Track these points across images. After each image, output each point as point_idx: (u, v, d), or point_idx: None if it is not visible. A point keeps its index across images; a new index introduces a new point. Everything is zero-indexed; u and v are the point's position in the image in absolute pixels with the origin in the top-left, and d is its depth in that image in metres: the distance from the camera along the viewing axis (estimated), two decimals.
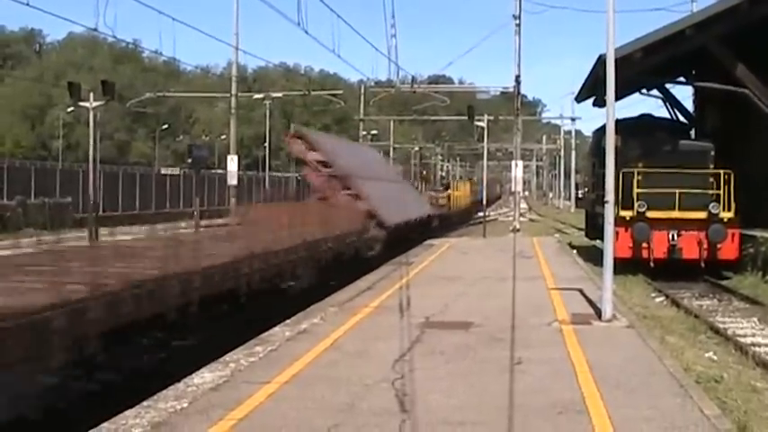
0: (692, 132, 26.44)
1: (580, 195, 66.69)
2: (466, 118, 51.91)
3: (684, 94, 53.20)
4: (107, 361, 9.42)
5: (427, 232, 34.24)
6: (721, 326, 14.38)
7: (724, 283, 20.58)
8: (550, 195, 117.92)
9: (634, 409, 7.30)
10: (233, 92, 39.49)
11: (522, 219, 46.13)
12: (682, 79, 28.09)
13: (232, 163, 36.89)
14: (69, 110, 73.70)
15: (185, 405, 7.58)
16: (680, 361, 9.97)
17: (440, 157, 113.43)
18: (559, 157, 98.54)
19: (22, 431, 8.02)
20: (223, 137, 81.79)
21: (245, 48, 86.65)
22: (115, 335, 8.81)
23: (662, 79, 26.06)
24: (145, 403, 7.67)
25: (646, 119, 25.60)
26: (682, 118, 28.40)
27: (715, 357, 11.31)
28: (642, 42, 21.06)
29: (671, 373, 8.75)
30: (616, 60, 12.58)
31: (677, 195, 21.42)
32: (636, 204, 21.34)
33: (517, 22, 35.61)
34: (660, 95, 28.18)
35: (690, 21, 21.88)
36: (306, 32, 25.55)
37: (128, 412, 7.39)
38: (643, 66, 21.41)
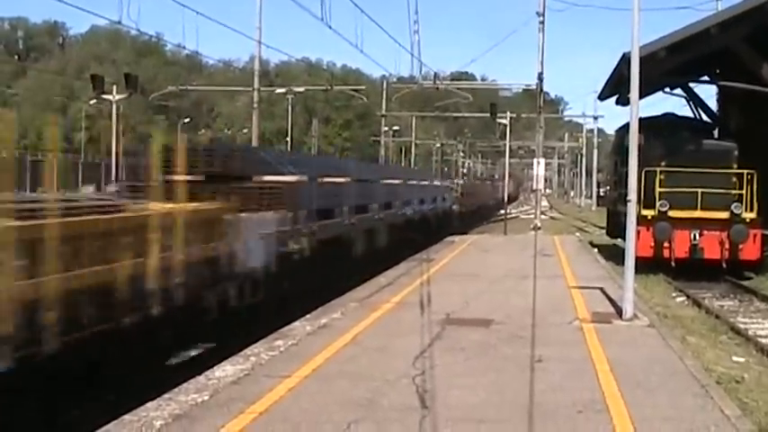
0: (716, 132, 26.24)
1: (602, 194, 66.68)
2: (488, 115, 51.92)
3: (708, 93, 52.94)
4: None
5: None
6: (742, 326, 14.31)
7: (745, 283, 20.46)
8: (572, 193, 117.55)
9: (654, 409, 7.29)
10: (255, 86, 39.62)
11: (542, 217, 46.02)
12: (705, 78, 27.87)
13: None
14: (92, 102, 74.13)
15: (206, 398, 7.64)
16: (701, 361, 9.96)
17: (461, 154, 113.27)
18: (581, 155, 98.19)
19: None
20: (245, 131, 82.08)
21: (267, 42, 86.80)
22: None
23: (686, 78, 25.88)
24: (166, 395, 7.74)
25: (669, 118, 25.47)
26: (705, 117, 28.21)
27: (736, 358, 11.26)
28: (666, 41, 20.93)
29: (692, 373, 8.72)
30: (640, 59, 12.52)
31: (699, 195, 21.30)
32: (658, 203, 21.25)
33: (541, 19, 35.43)
34: (684, 94, 28.01)
35: (714, 20, 21.72)
36: (329, 27, 25.67)
37: (149, 404, 7.46)
38: (667, 64, 21.28)
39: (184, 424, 6.88)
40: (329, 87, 62.43)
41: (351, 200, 19.60)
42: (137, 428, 6.78)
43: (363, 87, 74.98)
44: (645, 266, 19.26)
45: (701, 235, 21.28)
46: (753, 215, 21.22)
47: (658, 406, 7.40)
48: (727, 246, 21.06)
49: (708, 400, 7.61)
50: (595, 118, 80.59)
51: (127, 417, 7.12)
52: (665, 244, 21.28)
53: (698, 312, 15.82)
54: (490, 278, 17.05)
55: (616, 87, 24.62)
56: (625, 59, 18.27)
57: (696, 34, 21.02)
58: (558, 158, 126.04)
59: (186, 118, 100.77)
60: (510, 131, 58.08)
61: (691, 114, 28.40)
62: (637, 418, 6.98)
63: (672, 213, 21.25)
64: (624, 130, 23.66)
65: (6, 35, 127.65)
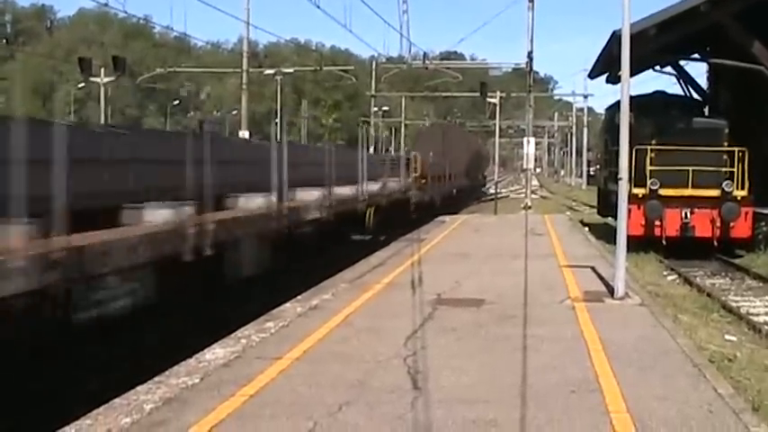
0: (706, 110, 26.23)
1: (592, 173, 66.69)
2: (478, 94, 51.79)
3: (698, 71, 52.97)
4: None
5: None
6: (734, 305, 14.33)
7: (737, 261, 20.52)
8: (562, 173, 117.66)
9: (647, 388, 7.26)
10: (244, 67, 39.40)
11: (533, 196, 46.05)
12: (696, 56, 27.85)
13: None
14: (80, 85, 73.68)
15: (197, 381, 7.58)
16: (693, 340, 9.93)
17: None
18: (571, 134, 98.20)
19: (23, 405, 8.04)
20: (234, 112, 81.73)
21: (256, 23, 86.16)
22: None
23: (676, 56, 25.86)
24: (156, 379, 7.68)
25: (659, 96, 25.43)
26: (695, 95, 28.20)
27: (728, 337, 11.26)
28: (656, 19, 20.85)
29: (684, 351, 8.70)
30: (630, 36, 12.43)
31: (690, 173, 21.30)
32: (649, 182, 21.23)
33: None
34: (674, 72, 27.96)
35: None
36: (318, 7, 25.50)
37: (139, 387, 7.40)
38: (657, 42, 21.21)
39: (175, 407, 6.82)
40: (318, 68, 62.17)
41: None
42: (127, 412, 6.72)
43: (352, 68, 74.76)
44: (636, 245, 19.26)
45: (692, 213, 21.30)
46: (744, 193, 21.24)
47: (651, 385, 7.37)
48: (718, 224, 21.09)
49: (701, 379, 7.58)
50: (585, 97, 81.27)
51: (117, 400, 7.06)
52: (657, 222, 21.30)
53: (689, 291, 15.83)
54: (481, 258, 17.02)
55: (606, 66, 24.55)
56: (615, 37, 18.19)
57: (686, 11, 20.95)
58: (549, 138, 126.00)
59: (176, 100, 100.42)
60: (500, 111, 58.00)
61: (681, 92, 28.38)
62: (630, 397, 6.94)
63: (663, 192, 21.25)
64: (614, 108, 23.62)
65: None
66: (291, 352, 8.61)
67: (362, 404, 6.82)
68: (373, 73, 62.29)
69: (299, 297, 12.10)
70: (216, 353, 8.67)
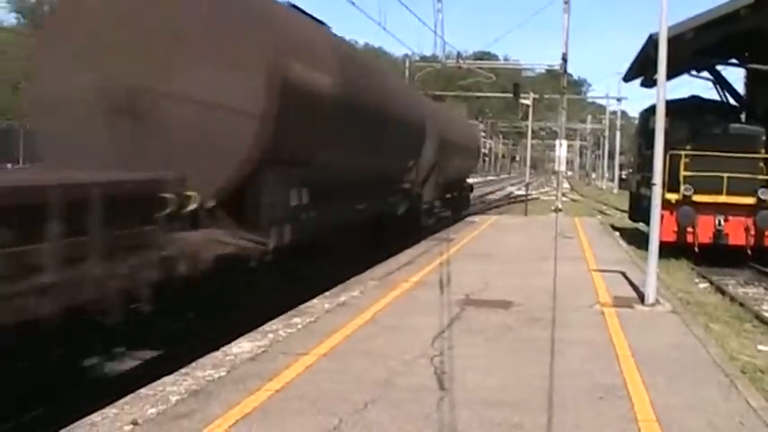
0: (743, 116, 25.86)
1: (624, 176, 66.13)
2: (510, 95, 51.57)
3: (736, 76, 52.41)
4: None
5: None
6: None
7: None
8: (593, 176, 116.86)
9: (677, 397, 7.16)
10: None
11: (564, 198, 45.71)
12: (734, 61, 27.47)
13: None
14: None
15: (223, 374, 7.59)
16: (724, 349, 9.81)
17: (482, 134, 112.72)
18: (604, 137, 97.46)
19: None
20: None
21: None
22: None
23: (713, 60, 25.52)
24: (183, 370, 7.69)
25: (695, 100, 25.10)
26: (732, 101, 27.83)
27: (761, 347, 11.09)
28: (695, 22, 20.59)
29: (715, 361, 8.57)
30: (668, 40, 12.28)
31: (725, 179, 21.01)
32: (682, 188, 20.99)
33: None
34: (710, 77, 27.61)
35: (745, 0, 21.34)
36: (352, 4, 25.41)
37: (166, 378, 7.42)
38: (694, 46, 20.94)
39: (201, 399, 6.83)
40: None
41: None
42: (152, 402, 6.75)
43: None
44: (667, 251, 19.04)
45: (725, 220, 21.02)
46: None
47: (681, 394, 7.27)
48: (752, 232, 20.81)
49: (732, 390, 7.46)
50: (619, 100, 79.89)
51: (143, 390, 7.09)
52: (689, 229, 21.04)
53: (721, 299, 15.61)
54: (510, 259, 16.92)
55: (642, 69, 24.28)
56: (652, 41, 18.02)
57: (725, 15, 20.65)
58: (580, 140, 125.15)
59: None
60: (532, 112, 57.71)
61: (717, 97, 28.03)
62: (659, 406, 6.85)
63: (696, 198, 20.99)
64: (649, 112, 23.39)
65: None
66: (318, 348, 8.59)
67: (388, 403, 6.78)
68: (406, 71, 62.17)
69: (326, 293, 12.09)
70: (242, 346, 8.67)
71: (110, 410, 6.55)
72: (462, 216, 21.05)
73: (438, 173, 23.63)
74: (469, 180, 35.91)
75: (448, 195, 27.77)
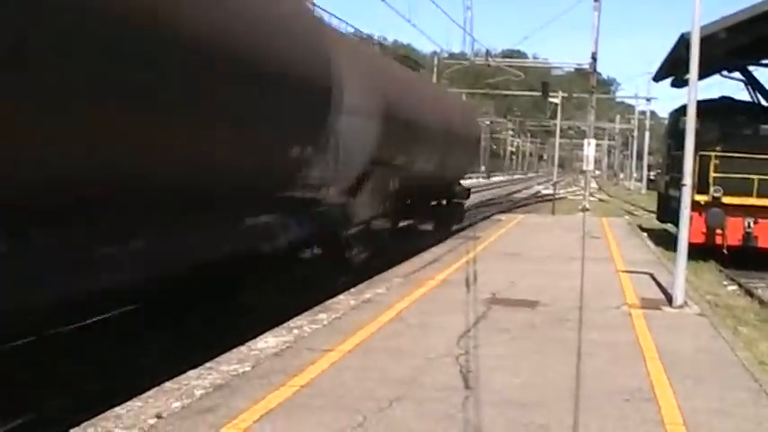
0: None
1: (652, 177, 65.60)
2: (539, 93, 51.41)
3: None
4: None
5: None
6: None
7: None
8: (621, 176, 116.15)
9: (704, 401, 7.08)
10: None
11: (591, 198, 45.48)
12: (766, 62, 27.16)
13: None
14: None
15: (247, 369, 7.60)
16: (753, 353, 9.67)
17: (510, 132, 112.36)
18: (632, 137, 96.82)
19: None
20: None
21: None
22: None
23: (745, 61, 25.24)
24: (207, 365, 7.72)
25: (726, 101, 24.84)
26: (764, 101, 27.52)
27: None
28: (727, 21, 20.35)
29: (744, 365, 8.46)
30: (699, 40, 12.15)
31: (756, 181, 20.79)
32: (711, 189, 20.79)
33: None
34: (742, 78, 27.32)
35: None
36: (382, 0, 25.38)
37: (190, 372, 7.45)
38: (726, 46, 20.70)
39: (225, 394, 6.84)
40: None
41: None
42: (177, 396, 6.77)
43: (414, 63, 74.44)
44: (696, 253, 18.84)
45: (755, 223, 20.80)
46: None
47: (708, 398, 7.18)
48: None
49: (761, 395, 7.36)
50: (648, 100, 79.49)
51: (168, 384, 7.11)
52: (718, 231, 20.84)
53: (750, 302, 15.42)
54: (537, 258, 16.85)
55: (672, 68, 24.06)
56: (684, 40, 17.84)
57: (759, 15, 20.41)
58: (609, 140, 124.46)
59: None
60: (561, 111, 57.43)
61: (748, 98, 27.73)
62: (686, 409, 6.77)
63: (725, 200, 20.78)
64: (679, 113, 23.18)
65: None
66: (343, 344, 8.59)
67: (412, 401, 6.76)
68: (435, 68, 62.05)
69: (352, 290, 12.09)
70: (268, 342, 8.69)
71: (134, 403, 6.58)
72: (453, 231, 20.29)
73: (389, 171, 15.67)
74: (470, 181, 30.36)
75: (433, 203, 22.10)
